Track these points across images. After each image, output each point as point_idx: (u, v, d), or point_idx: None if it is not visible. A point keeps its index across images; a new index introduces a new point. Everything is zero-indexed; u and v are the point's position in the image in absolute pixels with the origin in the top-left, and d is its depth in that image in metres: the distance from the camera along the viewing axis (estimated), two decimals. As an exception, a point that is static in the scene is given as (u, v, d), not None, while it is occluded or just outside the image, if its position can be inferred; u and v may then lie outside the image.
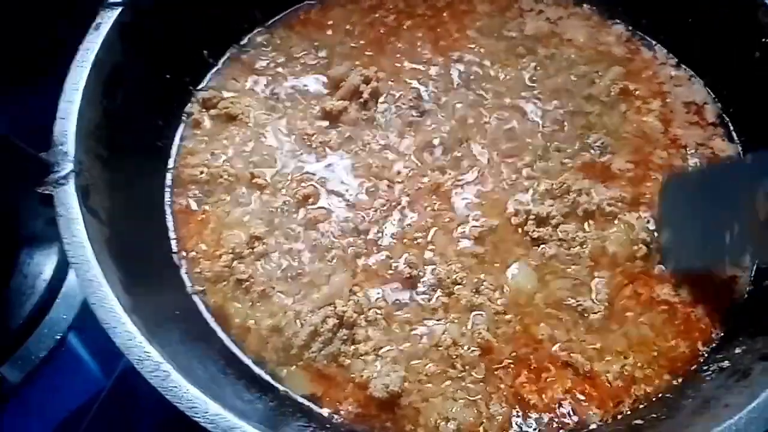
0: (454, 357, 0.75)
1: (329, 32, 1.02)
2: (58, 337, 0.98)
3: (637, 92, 0.96)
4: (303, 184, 0.87)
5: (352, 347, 0.76)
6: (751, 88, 0.90)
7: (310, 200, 0.86)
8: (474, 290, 0.79)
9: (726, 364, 0.73)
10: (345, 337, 0.77)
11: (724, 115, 0.95)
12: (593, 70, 0.98)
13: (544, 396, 0.75)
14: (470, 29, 1.02)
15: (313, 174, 0.89)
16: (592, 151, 0.90)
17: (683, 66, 0.99)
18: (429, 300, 0.80)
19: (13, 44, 1.12)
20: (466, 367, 0.75)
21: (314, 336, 0.76)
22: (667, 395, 0.75)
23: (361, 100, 0.93)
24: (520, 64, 0.98)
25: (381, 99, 0.95)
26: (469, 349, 0.76)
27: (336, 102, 0.93)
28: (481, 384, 0.75)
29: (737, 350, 0.74)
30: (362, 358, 0.75)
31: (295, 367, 0.76)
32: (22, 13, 1.09)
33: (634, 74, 0.98)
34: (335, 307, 0.77)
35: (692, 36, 0.97)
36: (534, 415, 0.74)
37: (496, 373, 0.75)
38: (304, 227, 0.84)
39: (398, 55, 0.99)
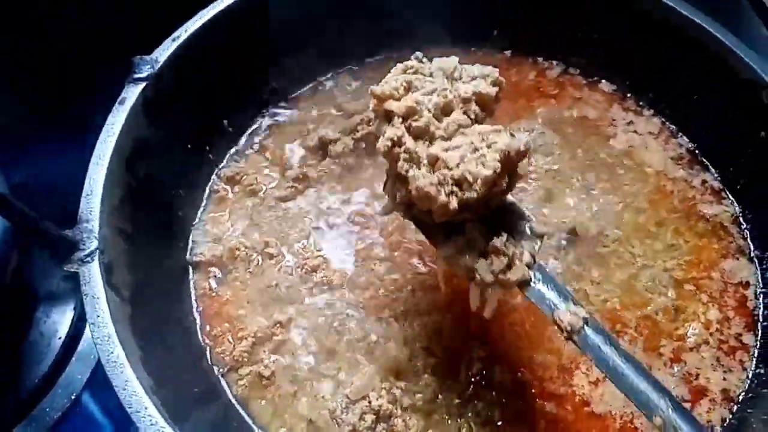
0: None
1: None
2: (74, 397, 0.98)
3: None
4: (314, 255, 0.89)
5: None
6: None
7: (320, 273, 0.88)
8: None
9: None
10: (384, 431, 0.76)
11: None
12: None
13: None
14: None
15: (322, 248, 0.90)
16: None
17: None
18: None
19: (31, 105, 1.15)
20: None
21: None
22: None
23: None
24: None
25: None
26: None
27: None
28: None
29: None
30: None
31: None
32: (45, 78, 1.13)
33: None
34: (370, 402, 0.77)
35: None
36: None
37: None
38: (323, 309, 0.85)
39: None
